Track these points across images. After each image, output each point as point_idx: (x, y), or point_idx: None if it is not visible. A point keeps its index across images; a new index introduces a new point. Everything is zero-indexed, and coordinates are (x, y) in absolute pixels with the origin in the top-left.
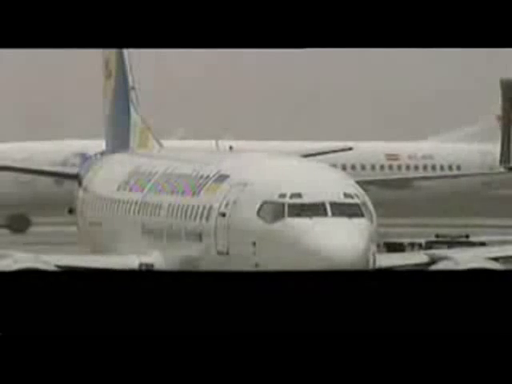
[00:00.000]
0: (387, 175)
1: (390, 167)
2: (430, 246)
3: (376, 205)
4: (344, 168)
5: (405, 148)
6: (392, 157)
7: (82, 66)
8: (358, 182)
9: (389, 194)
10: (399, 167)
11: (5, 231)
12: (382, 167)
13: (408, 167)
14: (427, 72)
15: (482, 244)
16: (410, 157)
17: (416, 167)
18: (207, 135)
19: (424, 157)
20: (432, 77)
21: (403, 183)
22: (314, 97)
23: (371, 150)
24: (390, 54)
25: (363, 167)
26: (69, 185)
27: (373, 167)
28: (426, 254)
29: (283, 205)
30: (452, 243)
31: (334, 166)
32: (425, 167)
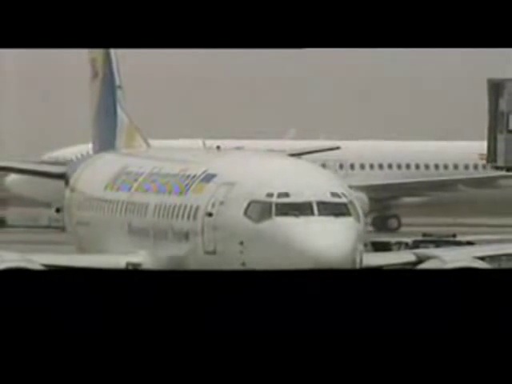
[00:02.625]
0: (480, 174)
1: (484, 166)
2: (416, 245)
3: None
4: (437, 167)
5: None
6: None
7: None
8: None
9: (473, 192)
10: None
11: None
12: (475, 166)
13: None
14: None
15: (469, 243)
16: None
17: None
18: (311, 135)
19: None
20: None
21: (491, 183)
22: (409, 96)
23: (465, 149)
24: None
25: (456, 166)
26: None
27: (466, 166)
28: (414, 253)
29: (270, 204)
30: (439, 242)
31: (427, 166)
32: None
